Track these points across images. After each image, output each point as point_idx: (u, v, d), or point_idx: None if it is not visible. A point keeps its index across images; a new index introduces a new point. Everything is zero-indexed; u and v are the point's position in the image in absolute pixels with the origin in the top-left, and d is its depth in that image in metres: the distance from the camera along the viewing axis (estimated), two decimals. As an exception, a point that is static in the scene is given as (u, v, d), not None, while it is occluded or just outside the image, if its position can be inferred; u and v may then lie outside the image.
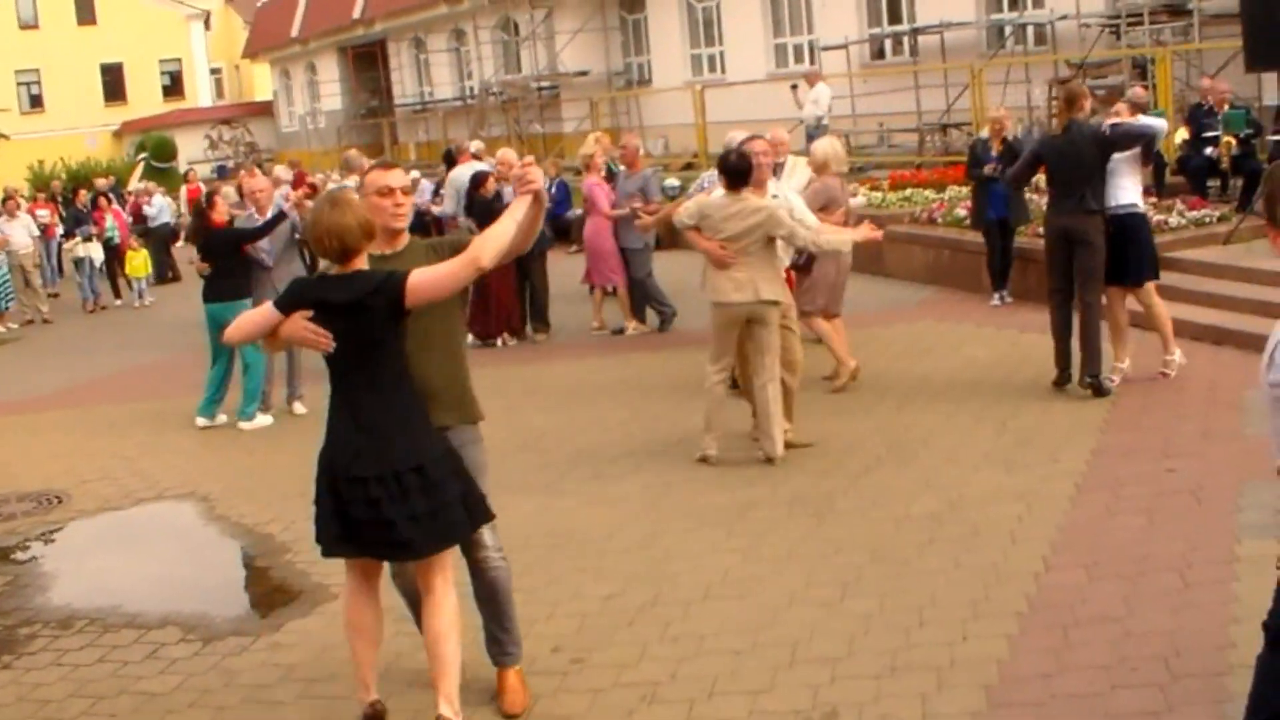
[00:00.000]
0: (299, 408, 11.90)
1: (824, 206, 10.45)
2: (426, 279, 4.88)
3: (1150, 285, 10.27)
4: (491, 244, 4.89)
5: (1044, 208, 10.85)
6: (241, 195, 13.33)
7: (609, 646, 6.14)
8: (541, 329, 14.77)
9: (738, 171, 8.73)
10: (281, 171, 16.86)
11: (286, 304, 5.06)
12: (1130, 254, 10.00)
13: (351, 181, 13.36)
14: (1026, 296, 13.31)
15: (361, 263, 5.02)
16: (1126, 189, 9.97)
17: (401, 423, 5.01)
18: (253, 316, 5.25)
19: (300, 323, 4.97)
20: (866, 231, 9.15)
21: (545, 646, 6.16)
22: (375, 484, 4.94)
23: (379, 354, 4.99)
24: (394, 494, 4.94)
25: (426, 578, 5.24)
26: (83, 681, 6.33)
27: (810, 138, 22.05)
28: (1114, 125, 9.96)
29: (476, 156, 17.51)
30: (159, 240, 24.59)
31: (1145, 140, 9.94)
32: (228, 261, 11.52)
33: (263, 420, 11.68)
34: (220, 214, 12.09)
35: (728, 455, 9.08)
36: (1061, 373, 10.22)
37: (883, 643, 5.84)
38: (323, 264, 5.21)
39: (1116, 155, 9.78)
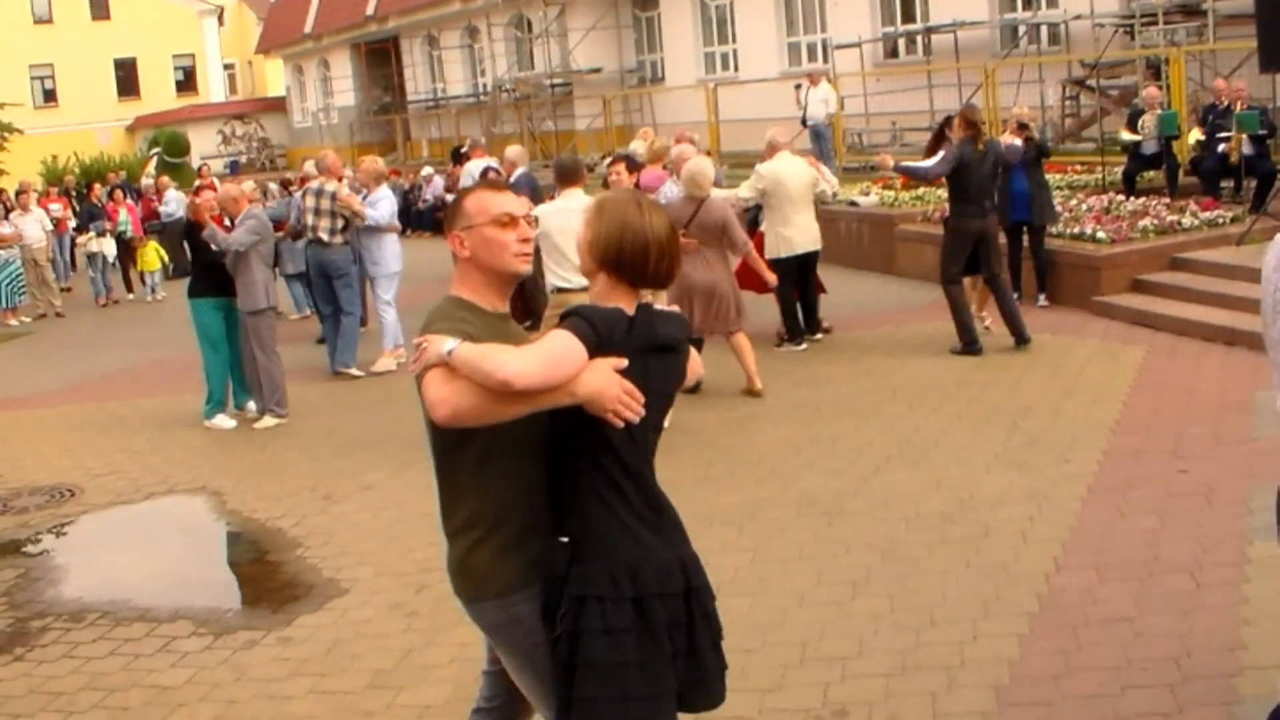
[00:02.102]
0: (268, 420, 11.62)
1: None
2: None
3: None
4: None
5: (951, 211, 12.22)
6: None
7: (618, 644, 6.14)
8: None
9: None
10: (310, 168, 16.77)
11: (599, 337, 3.40)
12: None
13: (332, 186, 13.19)
14: (1039, 296, 13.29)
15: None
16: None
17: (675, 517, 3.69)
18: (558, 351, 3.36)
19: (612, 376, 3.37)
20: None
21: (555, 643, 6.16)
22: (687, 600, 3.61)
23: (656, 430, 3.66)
24: (698, 611, 3.65)
25: None
26: (95, 674, 6.36)
27: (818, 136, 22.08)
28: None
29: (466, 156, 17.59)
30: (175, 235, 24.61)
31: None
32: (206, 258, 11.51)
33: (224, 422, 11.67)
34: (200, 213, 11.96)
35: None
36: (976, 342, 11.65)
37: (893, 642, 5.84)
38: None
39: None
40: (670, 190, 11.55)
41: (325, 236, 13.00)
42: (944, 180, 12.13)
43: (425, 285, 16.57)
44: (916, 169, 12.34)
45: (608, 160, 12.37)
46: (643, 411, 3.39)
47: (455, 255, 3.72)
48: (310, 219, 13.08)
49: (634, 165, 11.41)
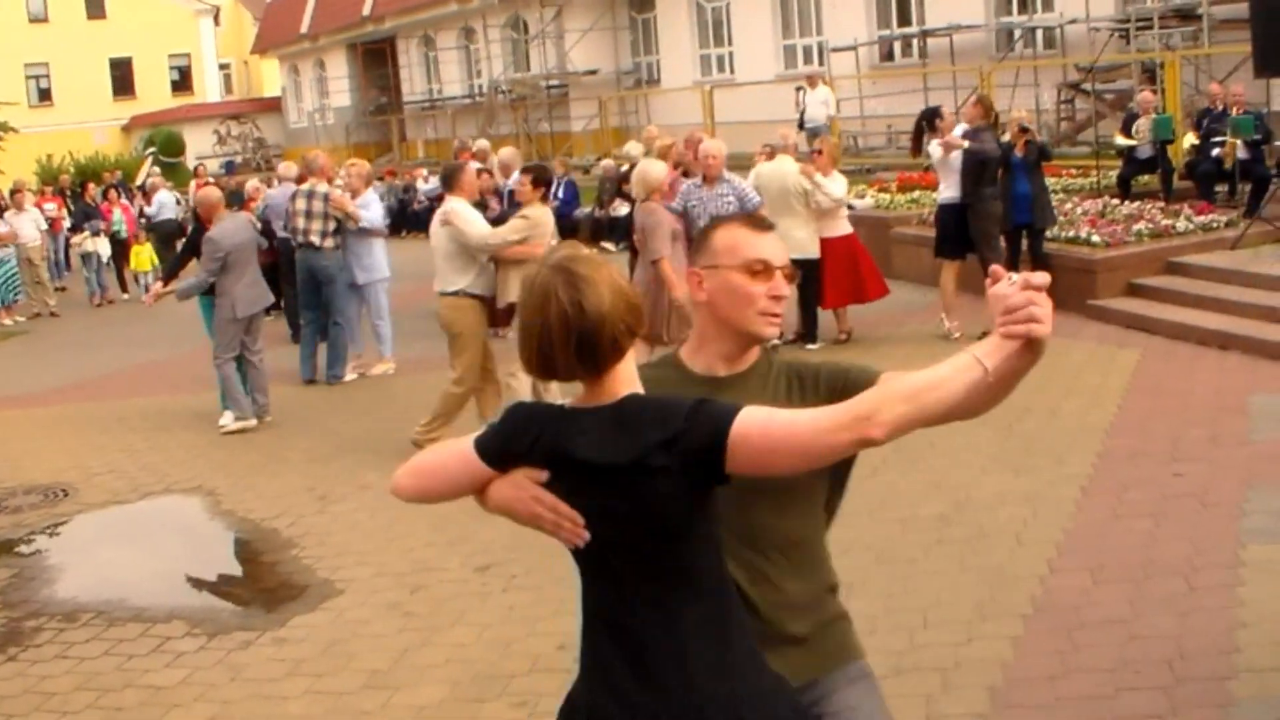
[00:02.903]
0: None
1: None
2: (772, 430, 2.65)
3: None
4: (906, 402, 2.74)
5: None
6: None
7: (614, 645, 6.14)
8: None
9: (550, 183, 9.64)
10: (284, 169, 16.64)
11: (497, 448, 2.83)
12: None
13: (323, 188, 12.96)
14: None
15: (626, 379, 2.80)
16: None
17: (714, 671, 2.74)
18: (442, 460, 2.93)
19: (526, 487, 2.77)
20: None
21: (550, 644, 6.17)
22: None
23: (670, 552, 2.76)
24: None
25: None
26: (89, 674, 6.36)
27: (816, 137, 22.10)
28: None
29: (478, 156, 17.50)
30: (163, 236, 24.58)
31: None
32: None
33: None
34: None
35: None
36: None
37: (888, 644, 5.84)
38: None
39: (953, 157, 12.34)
40: (695, 190, 11.40)
41: (317, 240, 12.70)
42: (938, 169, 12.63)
43: (423, 285, 16.54)
44: (981, 149, 12.28)
45: (518, 171, 12.23)
46: (582, 534, 2.73)
47: (692, 296, 3.11)
48: (301, 222, 12.76)
49: (542, 178, 10.46)
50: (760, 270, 2.99)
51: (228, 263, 11.05)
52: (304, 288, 13.10)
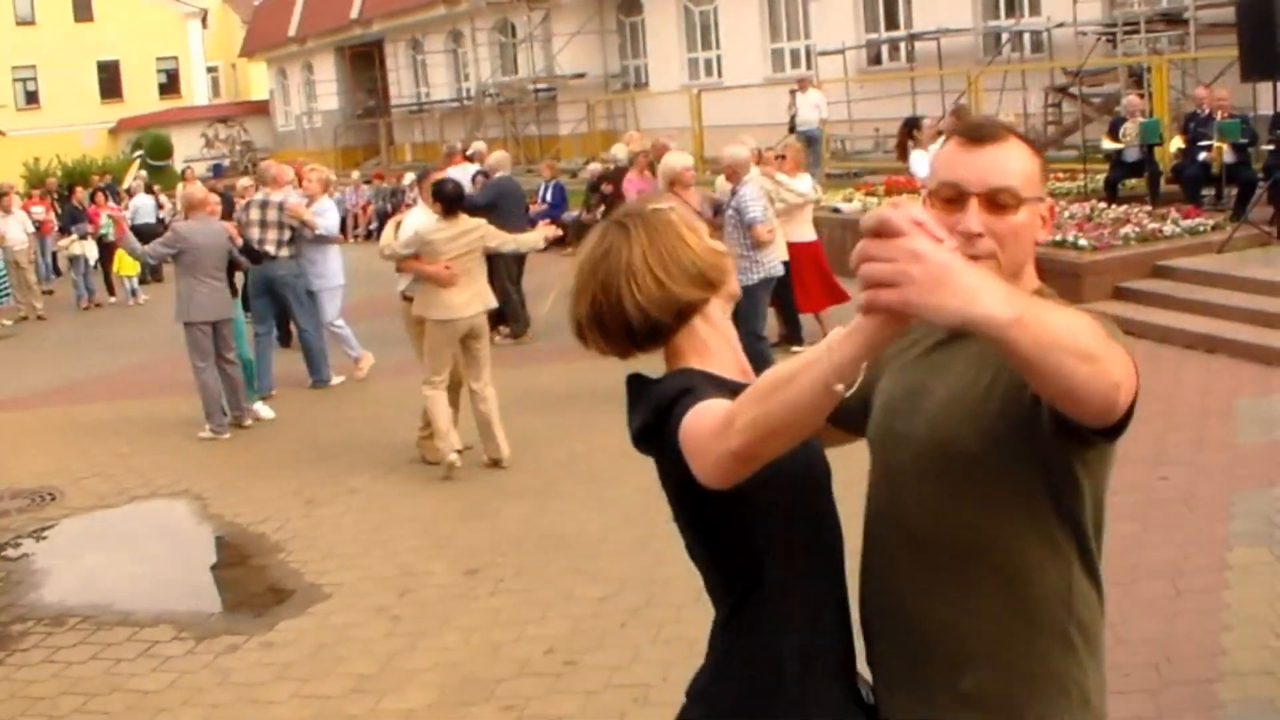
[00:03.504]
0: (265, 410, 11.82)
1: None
2: (687, 429, 2.34)
3: None
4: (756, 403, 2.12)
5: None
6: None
7: (601, 649, 6.15)
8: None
9: (454, 198, 9.47)
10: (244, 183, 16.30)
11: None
12: None
13: (278, 195, 12.70)
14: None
15: (684, 352, 2.63)
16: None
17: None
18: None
19: None
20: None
21: (538, 648, 6.17)
22: None
23: (692, 544, 2.68)
24: None
25: None
26: (75, 679, 6.34)
27: (811, 141, 22.12)
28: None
29: (470, 158, 17.50)
30: (142, 239, 24.44)
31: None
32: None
33: (264, 411, 11.72)
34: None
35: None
36: None
37: (875, 647, 5.85)
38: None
39: None
40: (751, 193, 10.98)
41: (273, 249, 12.45)
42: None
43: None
44: None
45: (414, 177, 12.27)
46: None
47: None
48: (256, 232, 12.41)
49: (443, 194, 9.77)
50: (951, 198, 2.34)
51: (185, 261, 11.05)
52: (258, 298, 12.82)
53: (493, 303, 9.66)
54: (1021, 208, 2.33)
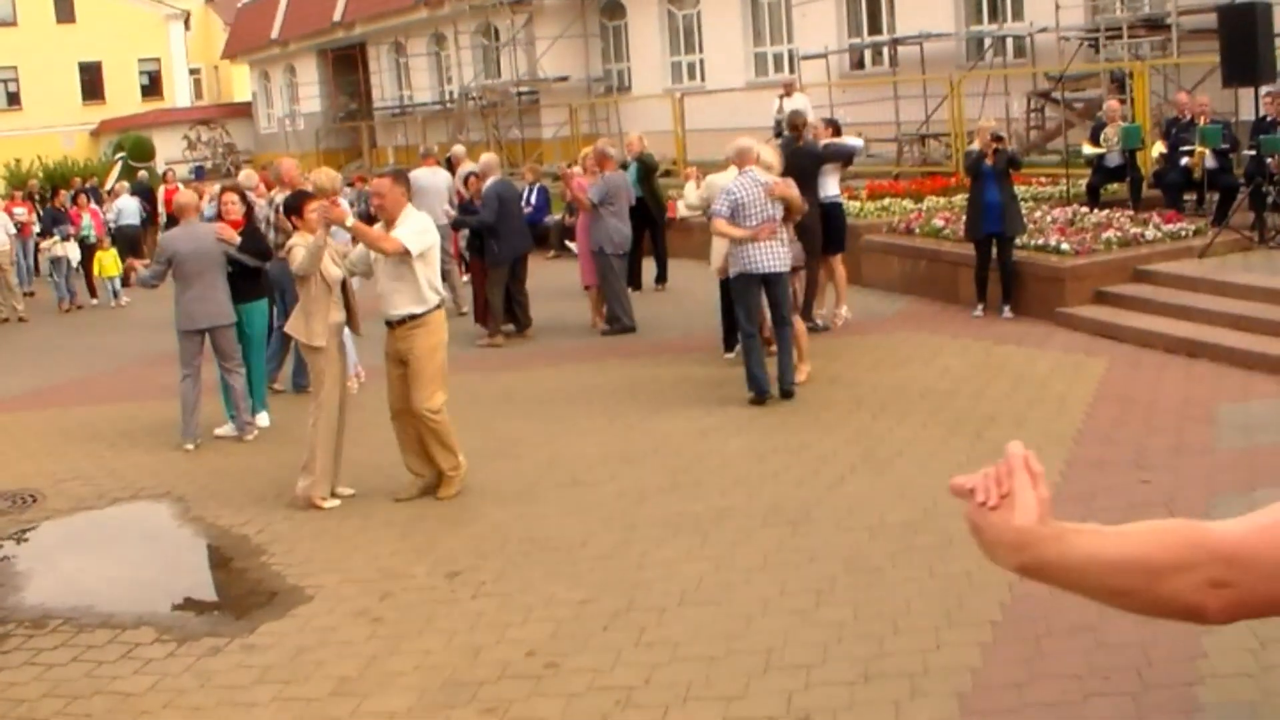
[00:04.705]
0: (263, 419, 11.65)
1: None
2: None
3: (840, 255, 13.75)
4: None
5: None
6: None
7: (583, 652, 6.16)
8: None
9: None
10: (245, 178, 16.16)
11: None
12: (833, 231, 13.40)
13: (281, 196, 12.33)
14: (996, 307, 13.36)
15: None
16: (831, 186, 13.60)
17: None
18: None
19: None
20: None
21: (519, 651, 6.17)
22: None
23: None
24: None
25: None
26: (57, 681, 6.32)
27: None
28: (827, 144, 13.66)
29: (450, 163, 17.53)
30: (124, 241, 24.40)
31: (847, 154, 14.14)
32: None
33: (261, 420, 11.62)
34: (232, 213, 11.86)
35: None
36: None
37: (856, 650, 5.87)
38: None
39: (827, 165, 13.37)
40: (758, 178, 10.89)
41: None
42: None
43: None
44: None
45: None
46: None
47: None
48: (271, 233, 12.47)
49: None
50: None
51: (176, 271, 10.91)
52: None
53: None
54: None
